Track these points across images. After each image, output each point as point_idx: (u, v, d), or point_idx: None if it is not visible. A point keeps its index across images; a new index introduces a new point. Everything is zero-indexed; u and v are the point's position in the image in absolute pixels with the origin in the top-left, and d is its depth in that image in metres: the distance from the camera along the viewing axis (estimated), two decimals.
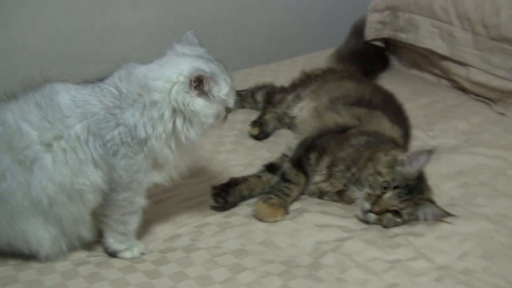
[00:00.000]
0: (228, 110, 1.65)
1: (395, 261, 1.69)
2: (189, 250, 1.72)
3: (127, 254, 1.70)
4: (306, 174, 1.94)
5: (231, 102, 1.62)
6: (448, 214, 1.82)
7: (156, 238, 1.79)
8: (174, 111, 1.55)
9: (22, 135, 1.52)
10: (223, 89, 1.58)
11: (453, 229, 1.81)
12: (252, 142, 2.31)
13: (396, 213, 1.80)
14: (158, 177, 1.65)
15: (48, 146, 1.52)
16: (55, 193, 1.53)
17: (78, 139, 1.53)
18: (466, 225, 1.83)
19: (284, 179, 1.91)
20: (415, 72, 2.89)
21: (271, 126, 2.35)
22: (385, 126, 2.06)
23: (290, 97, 2.38)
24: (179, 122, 1.56)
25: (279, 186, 1.89)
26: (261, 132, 2.32)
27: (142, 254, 1.72)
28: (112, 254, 1.70)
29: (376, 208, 1.79)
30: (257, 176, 1.97)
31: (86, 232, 1.65)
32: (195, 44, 1.66)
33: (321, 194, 1.95)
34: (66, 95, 1.56)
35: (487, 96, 2.58)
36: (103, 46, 2.65)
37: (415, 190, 1.81)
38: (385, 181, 1.80)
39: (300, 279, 1.61)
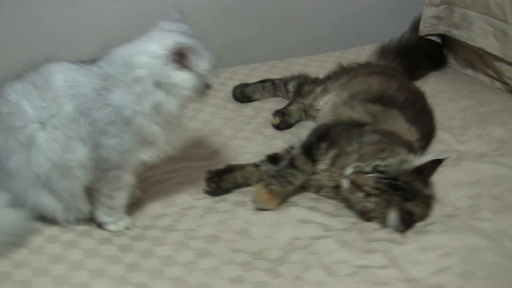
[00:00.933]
0: (208, 87, 1.68)
1: (363, 266, 1.63)
2: (167, 230, 1.77)
3: (112, 227, 1.78)
4: (314, 162, 1.90)
5: (211, 79, 1.66)
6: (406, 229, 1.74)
7: (144, 215, 1.85)
8: (156, 84, 1.59)
9: (21, 114, 1.63)
10: (204, 65, 1.62)
11: (440, 241, 1.71)
12: (272, 131, 2.29)
13: (366, 195, 1.75)
14: (147, 155, 1.70)
15: (42, 124, 1.62)
16: (49, 169, 1.63)
17: (68, 117, 1.61)
18: (457, 239, 1.71)
19: (292, 164, 1.88)
20: (469, 72, 2.70)
21: (295, 117, 2.32)
22: (402, 127, 1.98)
23: (318, 89, 2.33)
24: (160, 95, 1.60)
25: (284, 171, 1.86)
26: (282, 122, 2.29)
27: (127, 228, 1.78)
28: (100, 225, 1.78)
29: (353, 176, 1.77)
30: (256, 165, 1.97)
31: (83, 206, 1.74)
32: (180, 21, 1.69)
33: (318, 189, 1.92)
34: (60, 75, 1.63)
35: None
36: None
37: (399, 190, 1.74)
38: (377, 165, 1.76)
39: (259, 272, 1.61)
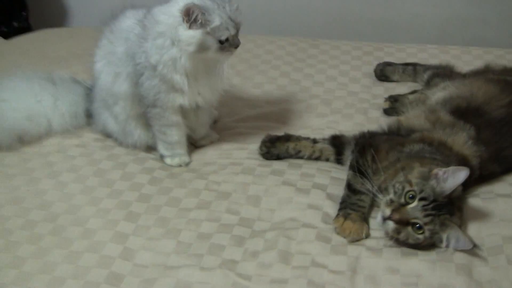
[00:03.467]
0: (229, 44, 1.81)
1: (320, 265, 1.58)
2: (200, 176, 1.92)
3: (167, 160, 2.03)
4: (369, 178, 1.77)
5: (223, 35, 1.78)
6: (475, 246, 1.59)
7: (201, 159, 2.04)
8: (172, 41, 1.80)
9: (100, 50, 2.01)
10: (214, 22, 1.76)
11: (417, 268, 1.55)
12: (378, 114, 2.22)
13: (418, 228, 1.61)
14: (181, 100, 1.90)
15: (105, 59, 1.97)
16: (105, 95, 2.00)
17: (119, 57, 1.92)
18: (438, 274, 1.54)
19: (352, 190, 1.79)
20: None
21: (409, 106, 2.18)
22: (457, 140, 1.78)
23: (442, 85, 2.14)
24: (175, 50, 1.81)
25: (350, 199, 1.77)
26: (391, 108, 2.21)
27: (180, 165, 2.01)
28: (161, 157, 2.04)
29: (396, 216, 1.61)
30: (314, 141, 1.98)
31: (136, 134, 2.04)
32: None
33: None
34: (126, 21, 1.94)
35: None
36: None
37: (443, 208, 1.61)
38: (412, 190, 1.61)
39: (228, 236, 1.67)
